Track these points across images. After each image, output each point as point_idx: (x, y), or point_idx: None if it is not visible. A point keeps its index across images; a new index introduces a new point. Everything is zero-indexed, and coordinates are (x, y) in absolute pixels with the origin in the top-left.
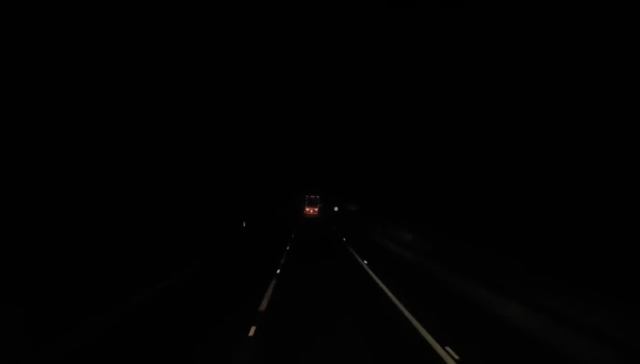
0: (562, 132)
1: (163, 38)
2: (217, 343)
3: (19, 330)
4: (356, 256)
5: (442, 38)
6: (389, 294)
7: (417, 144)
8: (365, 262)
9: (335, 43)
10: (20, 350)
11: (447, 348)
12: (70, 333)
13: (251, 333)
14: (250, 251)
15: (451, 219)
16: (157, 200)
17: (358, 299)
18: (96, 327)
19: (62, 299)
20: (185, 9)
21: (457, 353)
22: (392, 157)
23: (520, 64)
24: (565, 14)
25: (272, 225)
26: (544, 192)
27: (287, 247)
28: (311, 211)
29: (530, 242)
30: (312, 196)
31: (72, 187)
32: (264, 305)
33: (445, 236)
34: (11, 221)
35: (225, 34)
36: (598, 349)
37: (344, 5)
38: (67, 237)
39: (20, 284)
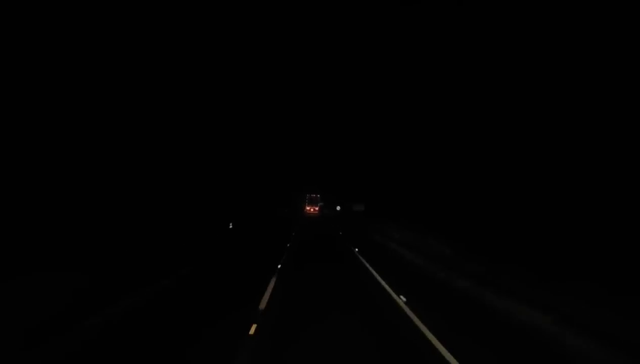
0: (564, 132)
1: (163, 38)
2: None
3: (13, 332)
4: (381, 280)
5: (445, 35)
6: None
7: (424, 140)
8: (403, 299)
9: (337, 43)
10: (13, 351)
11: None
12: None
13: None
14: (225, 272)
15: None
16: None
17: None
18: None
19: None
20: (185, 9)
21: None
22: (399, 152)
23: (523, 63)
24: (568, 14)
25: (266, 228)
26: (546, 192)
27: (279, 266)
28: (312, 209)
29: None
30: (312, 195)
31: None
32: None
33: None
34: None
35: (225, 34)
36: None
37: (345, 5)
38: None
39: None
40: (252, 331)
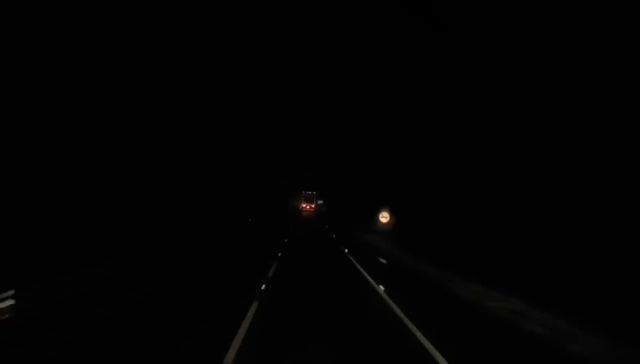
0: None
1: (163, 37)
2: None
3: None
4: None
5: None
6: None
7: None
8: None
9: (336, 39)
10: None
11: None
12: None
13: None
14: None
15: None
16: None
17: None
18: None
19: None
20: (185, 8)
21: None
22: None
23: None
24: (564, 15)
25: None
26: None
27: None
28: (307, 207)
29: None
30: (308, 192)
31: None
32: None
33: None
34: None
35: (224, 29)
36: None
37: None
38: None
39: None
40: None
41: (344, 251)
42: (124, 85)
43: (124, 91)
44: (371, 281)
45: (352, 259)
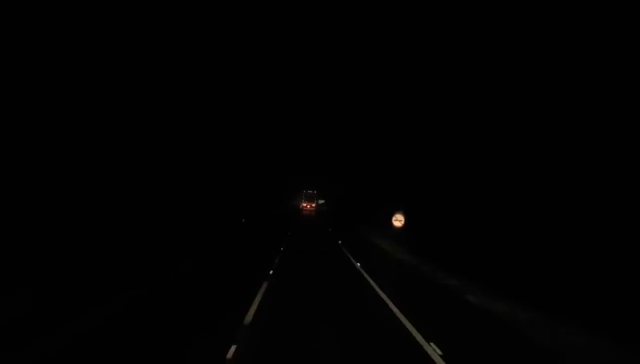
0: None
1: (165, 37)
2: None
3: None
4: None
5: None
6: None
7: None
8: None
9: (334, 35)
10: None
11: None
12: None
13: None
14: None
15: None
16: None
17: None
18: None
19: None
20: (187, 8)
21: None
22: None
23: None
24: (563, 13)
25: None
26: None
27: None
28: (308, 206)
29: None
30: (309, 191)
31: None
32: None
33: None
34: None
35: (226, 31)
36: None
37: (346, 1)
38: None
39: None
40: None
41: (356, 265)
42: (124, 84)
43: (123, 90)
44: (414, 332)
45: (371, 282)
